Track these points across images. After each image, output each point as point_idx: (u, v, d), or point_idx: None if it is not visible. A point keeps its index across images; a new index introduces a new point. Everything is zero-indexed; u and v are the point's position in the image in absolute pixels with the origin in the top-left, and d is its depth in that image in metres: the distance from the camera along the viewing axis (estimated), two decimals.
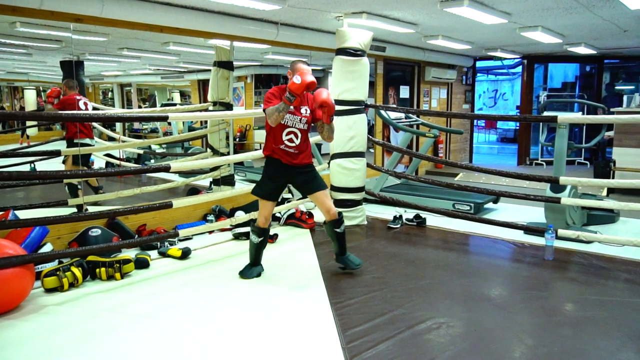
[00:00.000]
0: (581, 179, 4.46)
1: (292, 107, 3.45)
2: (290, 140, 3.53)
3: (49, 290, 3.45)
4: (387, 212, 5.72)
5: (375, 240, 4.82)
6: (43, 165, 6.04)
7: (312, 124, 3.67)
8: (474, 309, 3.22)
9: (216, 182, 5.91)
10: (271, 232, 4.72)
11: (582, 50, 8.39)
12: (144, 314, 3.12)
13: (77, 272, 3.54)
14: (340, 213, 3.77)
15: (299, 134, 3.55)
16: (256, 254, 3.77)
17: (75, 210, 4.96)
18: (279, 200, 5.75)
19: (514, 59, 10.84)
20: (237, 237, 4.77)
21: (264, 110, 3.45)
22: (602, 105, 6.62)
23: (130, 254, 4.07)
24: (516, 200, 5.50)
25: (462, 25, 6.15)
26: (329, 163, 5.41)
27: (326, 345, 2.71)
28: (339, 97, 5.10)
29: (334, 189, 5.30)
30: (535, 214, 5.49)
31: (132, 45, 7.14)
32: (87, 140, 5.54)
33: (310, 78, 3.28)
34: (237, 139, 11.29)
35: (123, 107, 9.52)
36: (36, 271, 3.47)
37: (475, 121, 12.11)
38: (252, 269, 3.76)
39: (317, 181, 3.68)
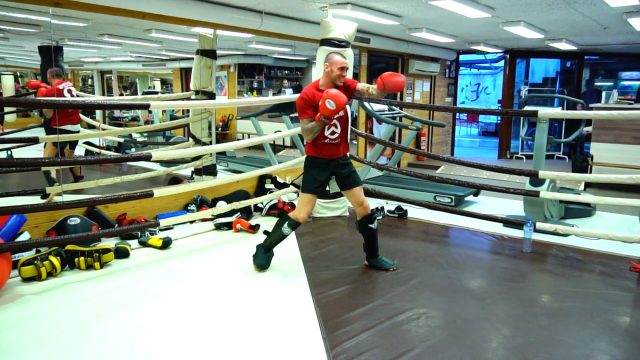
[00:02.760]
0: (560, 173, 4.54)
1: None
2: (332, 133, 3.54)
3: (27, 280, 3.40)
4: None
5: (356, 232, 4.81)
6: (20, 153, 5.92)
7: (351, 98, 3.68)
8: (453, 300, 3.27)
9: (198, 171, 5.87)
10: (253, 223, 4.73)
11: (563, 46, 8.50)
12: (124, 303, 3.10)
13: (56, 261, 3.49)
14: (373, 208, 3.73)
15: (339, 124, 3.55)
16: (277, 243, 3.72)
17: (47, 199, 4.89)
18: (261, 190, 5.77)
19: (497, 53, 10.93)
20: (218, 227, 4.75)
21: (300, 119, 3.51)
22: (581, 101, 6.74)
23: (110, 243, 4.04)
24: (496, 193, 5.57)
25: (446, 19, 6.18)
26: None
27: (307, 336, 2.72)
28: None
29: None
30: (514, 207, 5.57)
31: (113, 32, 7.02)
32: (69, 127, 5.44)
33: (342, 99, 3.24)
34: (220, 129, 11.20)
35: (103, 95, 9.37)
36: (13, 260, 3.42)
37: (457, 114, 12.20)
38: (268, 255, 3.73)
39: (355, 175, 3.69)
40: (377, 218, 3.83)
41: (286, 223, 3.63)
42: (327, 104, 3.22)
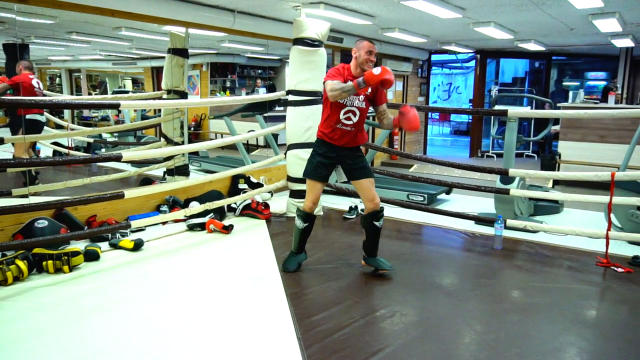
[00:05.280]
0: (529, 171, 4.63)
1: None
2: (348, 119, 3.42)
3: None
4: (343, 203, 5.77)
5: (330, 231, 4.85)
6: None
7: (371, 106, 3.59)
8: (426, 297, 3.30)
9: (170, 172, 5.79)
10: (226, 223, 4.69)
11: (532, 46, 8.69)
12: (94, 307, 3.03)
13: (22, 265, 3.39)
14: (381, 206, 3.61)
15: (357, 112, 3.44)
16: (300, 240, 3.66)
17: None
18: (234, 190, 5.73)
19: (468, 53, 11.10)
20: (191, 228, 4.70)
21: (324, 83, 3.33)
22: (549, 100, 6.89)
23: (79, 246, 3.95)
24: (468, 191, 5.65)
25: (418, 19, 6.24)
26: (285, 153, 5.40)
27: (281, 335, 2.71)
28: (296, 87, 5.09)
29: (290, 179, 5.29)
30: (485, 204, 5.67)
31: (82, 29, 6.88)
32: (37, 116, 5.29)
33: (389, 77, 3.09)
34: (192, 128, 11.10)
35: (72, 94, 9.18)
36: None
37: (429, 113, 12.35)
38: (295, 258, 3.70)
39: (366, 168, 3.56)
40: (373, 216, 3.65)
41: (296, 216, 3.64)
42: (375, 70, 3.10)
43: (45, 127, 6.20)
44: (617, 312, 3.20)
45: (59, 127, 7.10)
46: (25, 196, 4.72)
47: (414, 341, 2.69)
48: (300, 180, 5.23)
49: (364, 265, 3.73)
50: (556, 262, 4.05)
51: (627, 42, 7.80)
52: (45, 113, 6.21)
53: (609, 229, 4.02)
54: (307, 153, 5.12)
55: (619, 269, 3.80)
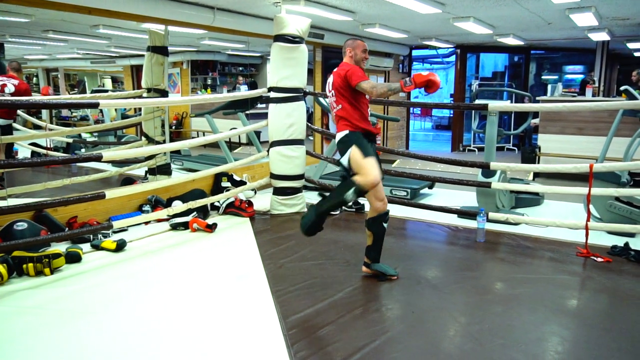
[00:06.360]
0: (510, 165, 4.68)
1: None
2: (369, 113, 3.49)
3: None
4: None
5: None
6: None
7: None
8: (411, 291, 3.32)
9: (152, 171, 5.73)
10: (210, 222, 4.67)
11: (511, 41, 8.78)
12: (77, 309, 3.00)
13: (2, 268, 3.33)
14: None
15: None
16: (333, 209, 3.46)
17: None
18: (217, 188, 5.69)
19: (448, 48, 11.18)
20: (174, 227, 4.66)
21: (356, 84, 3.21)
22: (528, 94, 6.98)
23: (60, 248, 3.89)
24: (450, 185, 5.70)
25: (399, 14, 6.27)
26: (268, 151, 5.38)
27: (268, 333, 2.71)
28: (277, 84, 5.07)
29: (274, 176, 5.28)
30: (468, 198, 5.72)
31: (59, 28, 6.77)
32: (1, 122, 5.17)
33: (435, 78, 3.05)
34: (174, 127, 11.01)
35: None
36: None
37: (411, 109, 12.41)
38: (319, 220, 3.34)
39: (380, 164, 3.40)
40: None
41: (352, 189, 3.18)
42: (424, 72, 3.14)
43: (23, 128, 6.10)
44: (597, 301, 3.26)
45: (37, 127, 6.99)
46: (3, 198, 4.63)
47: (399, 335, 2.70)
48: (283, 177, 5.23)
49: (366, 272, 3.53)
50: (537, 253, 4.11)
51: (603, 36, 7.92)
52: (21, 113, 6.10)
53: (588, 220, 4.09)
54: (290, 150, 5.15)
55: (599, 259, 3.88)
